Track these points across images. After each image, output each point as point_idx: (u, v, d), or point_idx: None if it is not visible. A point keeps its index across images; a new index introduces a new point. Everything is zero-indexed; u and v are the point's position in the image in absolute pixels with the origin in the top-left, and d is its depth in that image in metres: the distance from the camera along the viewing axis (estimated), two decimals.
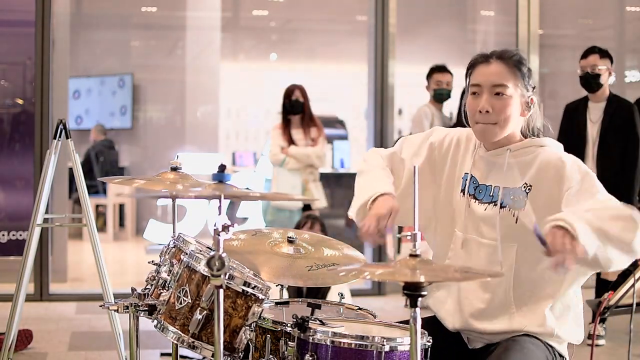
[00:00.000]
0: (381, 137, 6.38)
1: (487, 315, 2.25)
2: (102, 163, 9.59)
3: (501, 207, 2.24)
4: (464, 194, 2.32)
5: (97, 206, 9.50)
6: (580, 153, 4.90)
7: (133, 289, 2.39)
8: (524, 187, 2.21)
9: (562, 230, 1.90)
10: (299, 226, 4.43)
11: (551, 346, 2.24)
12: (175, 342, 2.17)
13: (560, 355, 2.27)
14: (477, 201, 2.29)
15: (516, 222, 2.21)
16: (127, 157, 10.45)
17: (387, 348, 1.97)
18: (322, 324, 2.12)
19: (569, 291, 2.25)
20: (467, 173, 2.33)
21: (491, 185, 2.28)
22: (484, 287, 2.24)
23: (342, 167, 9.16)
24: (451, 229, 2.35)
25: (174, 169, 2.59)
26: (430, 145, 2.40)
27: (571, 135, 4.96)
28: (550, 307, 2.22)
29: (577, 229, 1.89)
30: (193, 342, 2.15)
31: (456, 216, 2.34)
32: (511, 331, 2.23)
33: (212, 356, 2.10)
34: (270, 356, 2.15)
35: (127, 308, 2.34)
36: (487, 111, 2.21)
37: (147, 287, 2.40)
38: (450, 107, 6.44)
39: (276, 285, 2.63)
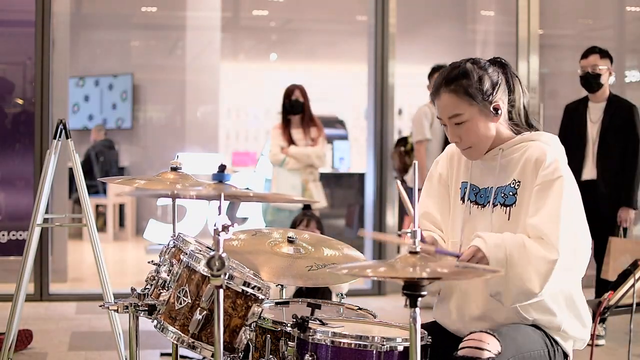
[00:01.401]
0: (381, 137, 6.38)
1: (489, 317, 2.24)
2: (102, 163, 9.59)
3: (493, 205, 2.26)
4: (463, 201, 2.35)
5: (97, 206, 9.50)
6: (580, 153, 4.90)
7: (133, 289, 2.39)
8: (513, 183, 2.23)
9: (481, 255, 2.10)
10: (295, 224, 4.43)
11: (555, 340, 2.24)
12: (175, 342, 2.17)
13: (565, 354, 2.27)
14: (478, 206, 2.31)
15: (509, 219, 2.22)
16: (127, 157, 10.45)
17: (386, 348, 1.97)
18: (322, 324, 2.12)
19: (570, 286, 2.25)
20: (466, 182, 2.35)
21: (487, 187, 2.30)
22: (482, 288, 2.24)
23: (343, 167, 9.16)
24: (453, 238, 2.36)
25: (174, 169, 2.59)
26: (439, 177, 2.44)
27: (571, 135, 4.96)
28: (554, 301, 2.22)
29: (490, 258, 2.08)
30: (193, 342, 2.15)
31: (456, 225, 2.36)
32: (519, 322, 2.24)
33: (212, 356, 2.10)
34: (270, 356, 2.15)
35: (127, 308, 2.34)
36: (457, 141, 2.27)
37: (147, 287, 2.40)
38: None
39: (276, 285, 2.63)
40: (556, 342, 2.24)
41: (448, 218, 2.40)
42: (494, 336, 2.08)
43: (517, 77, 2.34)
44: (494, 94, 2.24)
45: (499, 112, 2.26)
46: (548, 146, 2.24)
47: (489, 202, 2.27)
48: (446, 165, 2.44)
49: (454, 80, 2.22)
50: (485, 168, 2.32)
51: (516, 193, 2.22)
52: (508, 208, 2.23)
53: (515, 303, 2.13)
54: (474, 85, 2.21)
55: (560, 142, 2.32)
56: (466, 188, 2.34)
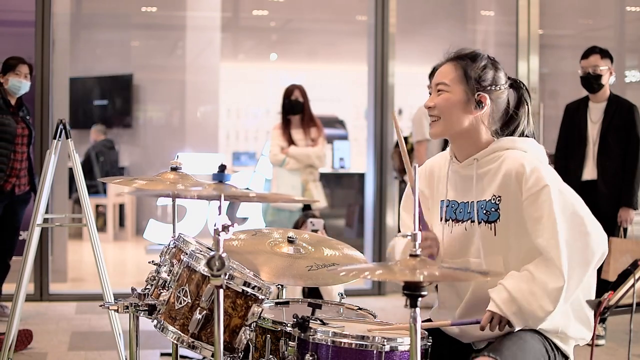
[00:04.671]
0: (381, 137, 6.38)
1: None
2: (102, 163, 9.59)
3: (478, 223, 2.23)
4: (444, 220, 2.33)
5: (97, 206, 9.50)
6: (580, 153, 4.90)
7: (133, 289, 2.39)
8: (494, 198, 2.20)
9: (497, 316, 2.13)
10: (297, 226, 4.42)
11: (554, 343, 2.23)
12: (175, 342, 2.17)
13: (564, 356, 2.26)
14: (458, 223, 2.28)
15: (495, 235, 2.21)
16: (127, 157, 10.45)
17: (387, 348, 1.97)
18: (323, 323, 2.12)
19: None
20: (443, 200, 2.33)
21: (467, 202, 2.28)
22: (480, 301, 2.23)
23: (342, 167, 9.16)
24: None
25: (174, 169, 2.59)
26: (422, 194, 2.42)
27: (572, 135, 4.96)
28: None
29: (512, 320, 2.14)
30: (193, 342, 2.15)
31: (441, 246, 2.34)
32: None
33: (212, 356, 2.09)
34: (270, 356, 2.15)
35: (127, 308, 2.34)
36: (430, 107, 2.28)
37: (147, 287, 2.40)
38: None
39: (276, 286, 2.63)
40: (555, 346, 2.24)
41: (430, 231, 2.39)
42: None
43: (527, 104, 2.32)
44: (487, 88, 2.24)
45: (482, 106, 2.24)
46: (524, 153, 2.21)
47: (470, 218, 2.25)
48: (426, 182, 2.42)
49: (461, 57, 2.28)
50: (462, 180, 2.29)
51: (498, 208, 2.20)
52: (492, 224, 2.21)
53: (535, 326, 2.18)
54: (475, 69, 2.25)
55: (537, 142, 2.29)
56: (445, 206, 2.32)
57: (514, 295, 2.11)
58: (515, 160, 2.19)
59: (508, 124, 2.32)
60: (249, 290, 2.16)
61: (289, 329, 2.10)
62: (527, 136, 2.32)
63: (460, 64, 2.26)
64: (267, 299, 2.23)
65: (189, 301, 2.17)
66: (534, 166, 2.17)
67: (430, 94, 2.34)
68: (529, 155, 2.22)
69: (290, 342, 2.07)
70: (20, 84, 4.91)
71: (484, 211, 2.22)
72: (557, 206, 2.13)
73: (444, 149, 5.72)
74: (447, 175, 2.33)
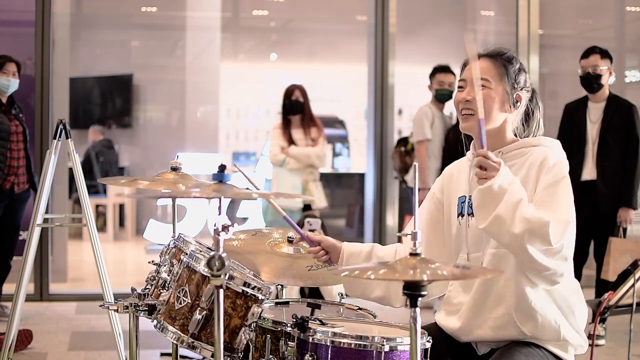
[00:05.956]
0: (381, 137, 6.38)
1: (492, 325, 2.23)
2: (102, 163, 9.60)
3: None
4: (462, 216, 2.32)
5: (97, 206, 9.51)
6: (580, 153, 4.89)
7: (133, 289, 2.39)
8: None
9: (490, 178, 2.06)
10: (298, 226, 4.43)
11: (553, 354, 2.22)
12: (175, 342, 2.16)
13: None
14: (473, 217, 2.26)
15: None
16: (127, 157, 10.45)
17: (387, 348, 1.97)
18: (322, 324, 2.12)
19: (565, 291, 2.24)
20: (463, 196, 2.33)
21: None
22: (487, 296, 2.23)
23: (342, 167, 9.17)
24: (455, 256, 2.34)
25: (174, 169, 2.59)
26: (432, 195, 2.43)
27: (571, 135, 4.96)
28: (553, 309, 2.20)
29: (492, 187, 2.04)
30: (192, 342, 2.14)
31: (456, 242, 2.34)
32: (517, 338, 2.22)
33: (212, 356, 2.09)
34: (270, 356, 2.15)
35: (127, 308, 2.34)
36: (468, 100, 2.27)
37: (147, 287, 2.40)
38: (451, 107, 6.43)
39: (276, 286, 2.63)
40: (555, 356, 2.23)
41: (433, 234, 2.39)
42: None
43: (539, 108, 2.36)
44: (521, 89, 2.29)
45: (518, 105, 2.27)
46: (551, 150, 2.24)
47: None
48: (441, 186, 2.42)
49: (500, 56, 2.32)
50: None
51: None
52: None
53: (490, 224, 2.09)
54: (513, 69, 2.30)
55: (561, 146, 2.31)
56: (463, 202, 2.32)
57: (508, 190, 2.05)
58: (542, 153, 2.22)
59: (525, 125, 2.35)
60: (249, 290, 2.15)
61: (288, 329, 2.10)
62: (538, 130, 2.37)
63: (501, 61, 2.30)
64: (267, 299, 2.23)
65: (189, 301, 2.17)
66: (558, 158, 2.20)
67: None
68: (554, 151, 2.24)
69: (290, 342, 2.07)
70: (8, 83, 4.91)
71: None
72: (572, 199, 2.14)
73: (444, 149, 5.77)
74: (468, 171, 2.33)
